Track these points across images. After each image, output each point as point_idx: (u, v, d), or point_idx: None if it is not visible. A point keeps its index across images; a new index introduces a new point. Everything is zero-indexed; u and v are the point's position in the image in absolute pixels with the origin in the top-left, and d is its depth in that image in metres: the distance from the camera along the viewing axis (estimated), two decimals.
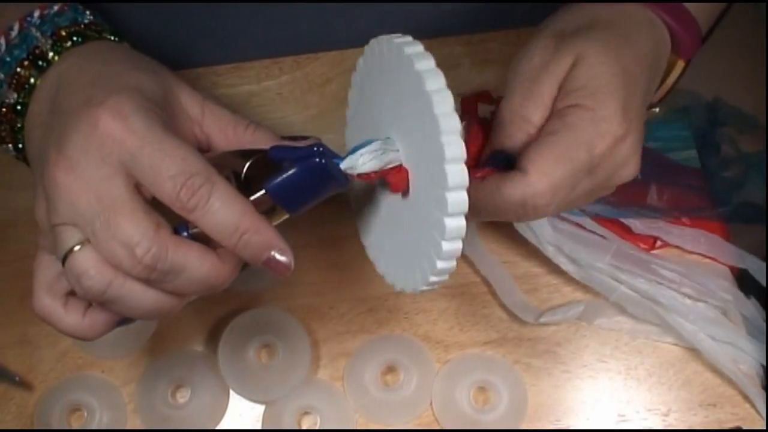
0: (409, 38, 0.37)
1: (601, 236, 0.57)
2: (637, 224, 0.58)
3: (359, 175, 0.38)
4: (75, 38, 0.42)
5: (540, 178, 0.39)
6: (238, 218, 0.36)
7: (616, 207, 0.58)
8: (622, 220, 0.58)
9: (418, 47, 0.36)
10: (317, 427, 0.55)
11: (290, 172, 0.37)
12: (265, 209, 0.37)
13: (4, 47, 0.42)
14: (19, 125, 0.42)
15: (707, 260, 0.58)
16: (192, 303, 0.57)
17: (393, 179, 0.38)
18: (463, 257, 0.58)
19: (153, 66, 0.41)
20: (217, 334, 0.56)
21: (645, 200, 0.59)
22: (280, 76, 0.63)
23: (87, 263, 0.36)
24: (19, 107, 0.42)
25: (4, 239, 0.59)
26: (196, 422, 0.54)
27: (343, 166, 0.38)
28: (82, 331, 0.40)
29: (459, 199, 0.35)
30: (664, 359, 0.56)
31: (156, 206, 0.36)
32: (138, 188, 0.36)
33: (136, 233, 0.35)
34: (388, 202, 0.41)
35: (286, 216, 0.38)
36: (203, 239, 0.36)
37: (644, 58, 0.43)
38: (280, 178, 0.37)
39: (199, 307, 0.58)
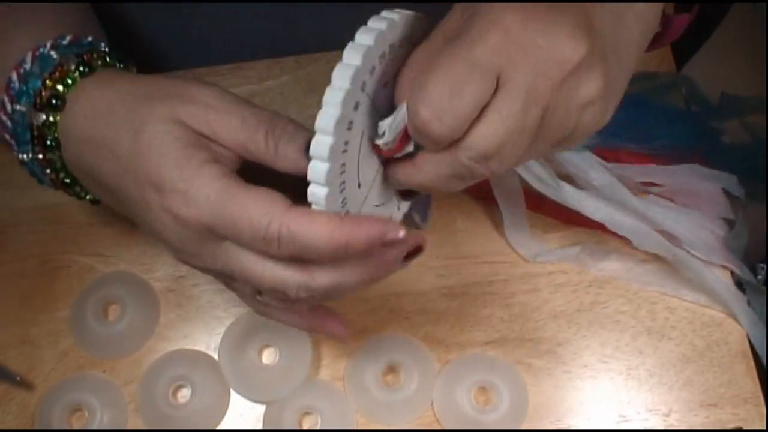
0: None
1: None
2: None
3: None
4: (82, 68, 0.42)
5: (411, 96, 0.35)
6: (329, 238, 0.36)
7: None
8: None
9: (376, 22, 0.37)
10: (318, 427, 0.55)
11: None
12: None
13: (16, 82, 0.42)
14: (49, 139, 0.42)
15: None
16: (194, 302, 0.58)
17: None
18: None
19: (159, 94, 0.40)
20: (218, 334, 0.57)
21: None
22: (281, 76, 0.63)
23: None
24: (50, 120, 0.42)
25: (4, 239, 0.59)
26: (197, 422, 0.54)
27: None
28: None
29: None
30: (665, 359, 0.56)
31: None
32: None
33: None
34: None
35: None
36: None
37: None
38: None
39: (200, 306, 0.58)
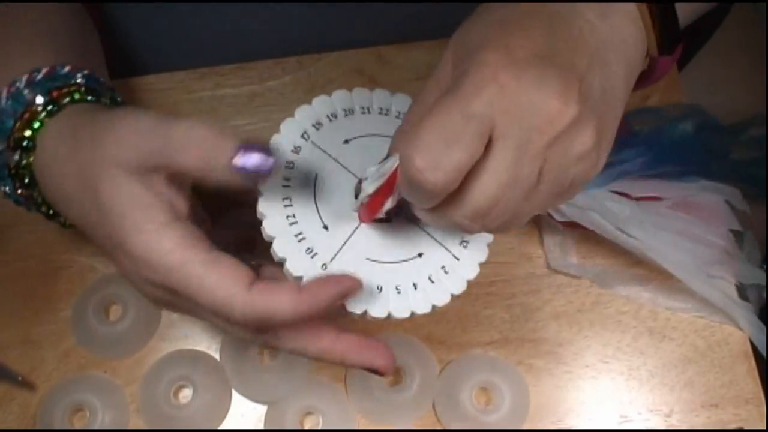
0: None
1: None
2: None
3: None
4: (50, 107, 0.42)
5: (402, 144, 0.34)
6: (293, 312, 0.37)
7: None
8: None
9: None
10: (319, 428, 0.55)
11: None
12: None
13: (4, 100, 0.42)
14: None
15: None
16: None
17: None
18: None
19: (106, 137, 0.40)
20: (220, 334, 0.57)
21: None
22: (283, 77, 0.63)
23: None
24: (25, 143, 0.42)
25: (5, 239, 0.59)
26: (198, 422, 0.54)
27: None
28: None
29: None
30: (666, 360, 0.56)
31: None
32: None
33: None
34: None
35: None
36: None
37: (539, 9, 0.36)
38: None
39: None
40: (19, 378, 0.55)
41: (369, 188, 0.39)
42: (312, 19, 0.62)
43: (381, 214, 0.40)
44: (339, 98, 0.44)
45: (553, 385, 0.56)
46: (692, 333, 0.57)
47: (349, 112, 0.44)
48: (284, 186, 0.41)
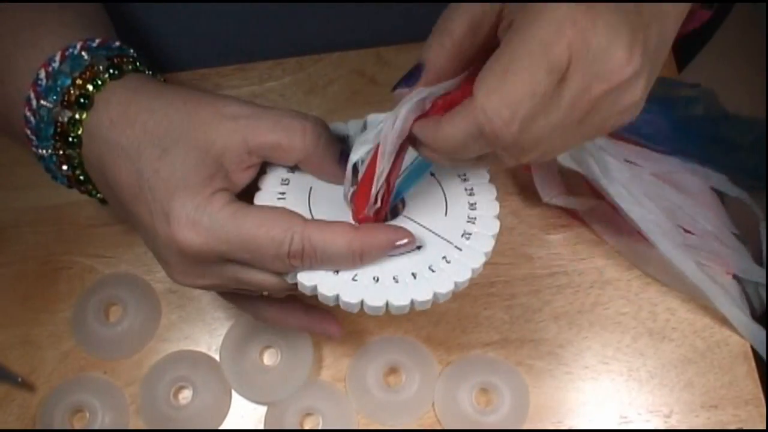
0: None
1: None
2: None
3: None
4: (112, 71, 0.42)
5: (488, 96, 0.33)
6: (347, 247, 0.38)
7: None
8: None
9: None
10: (319, 428, 0.55)
11: None
12: None
13: (44, 79, 0.42)
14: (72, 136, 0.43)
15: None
16: (195, 303, 0.58)
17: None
18: None
19: (184, 109, 0.41)
20: (219, 335, 0.57)
21: None
22: (283, 77, 0.63)
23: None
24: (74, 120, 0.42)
25: (5, 240, 0.59)
26: (198, 423, 0.54)
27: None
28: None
29: None
30: (666, 360, 0.56)
31: None
32: None
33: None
34: None
35: None
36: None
37: None
38: None
39: (202, 308, 0.58)
40: (19, 379, 0.55)
41: (360, 150, 0.39)
42: (312, 20, 0.62)
43: (372, 197, 0.40)
44: (335, 128, 0.45)
45: (552, 386, 0.56)
46: (692, 334, 0.57)
47: (344, 139, 0.44)
48: (279, 199, 0.42)
